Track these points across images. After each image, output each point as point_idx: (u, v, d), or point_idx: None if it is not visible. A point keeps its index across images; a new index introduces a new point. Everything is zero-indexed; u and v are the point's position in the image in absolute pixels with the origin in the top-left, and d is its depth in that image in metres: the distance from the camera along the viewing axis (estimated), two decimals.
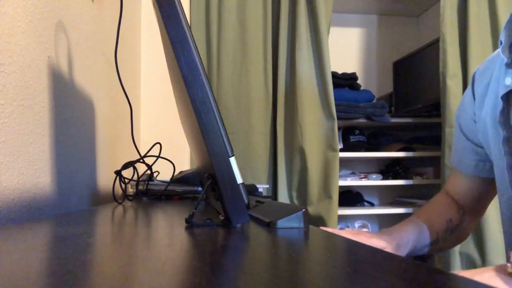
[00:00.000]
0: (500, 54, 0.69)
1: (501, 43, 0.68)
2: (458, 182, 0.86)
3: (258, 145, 1.88)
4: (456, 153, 0.87)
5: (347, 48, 2.47)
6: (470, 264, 1.87)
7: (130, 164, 0.91)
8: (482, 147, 0.79)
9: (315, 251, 0.37)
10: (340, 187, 1.89)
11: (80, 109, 0.90)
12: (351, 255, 0.34)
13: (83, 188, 0.93)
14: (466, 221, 0.84)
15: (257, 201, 0.70)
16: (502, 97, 0.67)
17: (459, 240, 0.86)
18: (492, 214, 1.79)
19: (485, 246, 1.81)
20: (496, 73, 0.72)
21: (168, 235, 0.43)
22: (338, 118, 1.88)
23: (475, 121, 0.79)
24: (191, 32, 0.43)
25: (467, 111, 0.81)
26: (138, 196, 1.09)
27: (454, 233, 0.82)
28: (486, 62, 0.79)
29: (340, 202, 1.87)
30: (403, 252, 0.74)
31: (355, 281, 0.24)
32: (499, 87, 0.69)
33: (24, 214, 0.62)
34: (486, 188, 0.83)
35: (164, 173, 1.14)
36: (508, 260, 0.51)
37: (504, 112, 0.68)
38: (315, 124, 1.88)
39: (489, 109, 0.73)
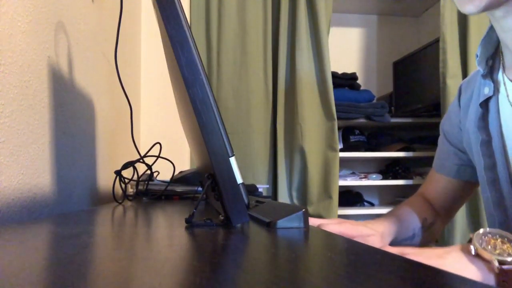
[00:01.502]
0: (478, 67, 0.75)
1: (477, 56, 0.74)
2: (436, 184, 0.92)
3: (258, 145, 1.88)
4: (439, 158, 0.92)
5: (347, 48, 2.47)
6: None
7: (130, 164, 0.91)
8: (465, 153, 0.85)
9: (315, 251, 0.37)
10: (340, 187, 1.89)
11: (80, 109, 0.90)
12: (351, 255, 0.34)
13: (83, 188, 0.93)
14: (438, 222, 0.89)
15: (257, 201, 0.70)
16: (480, 104, 0.74)
17: (430, 240, 0.90)
18: None
19: None
20: (477, 84, 0.79)
21: (168, 235, 0.43)
22: (338, 118, 1.88)
23: (460, 129, 0.85)
24: (191, 32, 0.43)
25: (453, 120, 0.88)
26: (138, 196, 1.09)
27: (427, 232, 0.86)
28: (471, 75, 0.86)
29: (340, 202, 1.87)
30: (386, 240, 0.77)
31: (355, 281, 0.24)
32: (479, 96, 0.76)
33: (24, 214, 0.62)
34: (463, 191, 0.89)
35: (164, 173, 1.14)
36: (470, 242, 0.53)
37: (483, 118, 0.74)
38: (315, 124, 1.88)
39: (472, 116, 0.79)
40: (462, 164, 0.86)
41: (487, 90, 0.73)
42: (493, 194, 0.73)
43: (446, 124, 0.90)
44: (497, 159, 0.72)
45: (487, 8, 0.62)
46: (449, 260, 0.52)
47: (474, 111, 0.78)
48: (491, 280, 0.49)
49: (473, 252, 0.51)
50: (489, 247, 0.51)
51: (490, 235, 0.52)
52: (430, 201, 0.91)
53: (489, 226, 0.80)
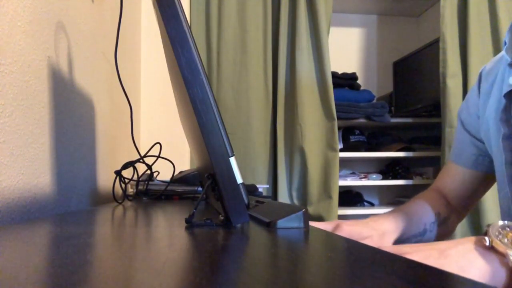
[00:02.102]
0: (504, 54, 0.71)
1: (505, 44, 0.70)
2: (452, 176, 0.88)
3: (258, 145, 1.88)
4: (456, 148, 0.88)
5: (347, 48, 2.47)
6: None
7: (130, 164, 0.91)
8: (483, 143, 0.81)
9: (315, 251, 0.37)
10: (340, 187, 1.88)
11: (80, 109, 0.90)
12: (351, 255, 0.34)
13: (83, 188, 0.93)
14: (453, 217, 0.85)
15: (257, 201, 0.70)
16: (504, 96, 0.69)
17: (443, 236, 0.86)
18: (494, 210, 1.80)
19: None
20: (501, 72, 0.74)
21: (168, 235, 0.43)
22: (338, 118, 1.88)
23: (478, 117, 0.81)
24: (191, 32, 0.43)
25: (471, 107, 0.83)
26: (138, 196, 1.09)
27: (440, 227, 0.83)
28: (493, 61, 0.81)
29: (340, 202, 1.87)
30: (389, 239, 0.73)
31: (355, 281, 0.24)
32: (503, 86, 0.71)
33: (24, 214, 0.62)
34: (480, 183, 0.85)
35: (164, 173, 1.14)
36: (485, 234, 0.50)
37: (506, 110, 0.69)
38: (315, 124, 1.88)
39: (493, 106, 0.75)
40: (480, 155, 0.82)
41: None
42: None
43: (464, 112, 0.86)
44: None
45: None
46: (452, 256, 0.49)
47: (495, 101, 0.74)
48: (501, 274, 0.46)
49: (487, 244, 0.48)
50: (506, 240, 0.47)
51: (509, 229, 0.49)
52: (445, 195, 0.88)
53: None
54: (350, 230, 0.69)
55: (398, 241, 0.76)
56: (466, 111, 0.85)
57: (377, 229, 0.72)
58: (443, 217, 0.83)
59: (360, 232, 0.69)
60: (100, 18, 1.08)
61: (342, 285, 0.23)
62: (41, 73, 0.69)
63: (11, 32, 0.58)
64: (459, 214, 0.88)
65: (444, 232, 0.84)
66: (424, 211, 0.82)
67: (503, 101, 0.70)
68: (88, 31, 0.97)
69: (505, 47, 0.70)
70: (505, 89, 0.69)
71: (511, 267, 0.45)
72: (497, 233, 0.49)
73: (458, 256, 0.49)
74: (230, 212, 0.45)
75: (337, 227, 0.70)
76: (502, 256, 0.47)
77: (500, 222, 0.50)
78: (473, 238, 0.51)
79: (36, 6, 0.67)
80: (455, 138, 0.90)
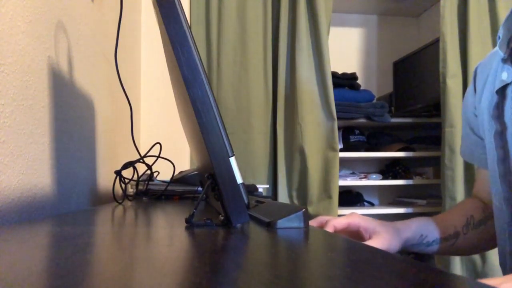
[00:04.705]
0: (498, 49, 0.69)
1: (499, 38, 0.68)
2: (481, 179, 0.85)
3: (258, 145, 1.88)
4: (467, 147, 0.86)
5: (347, 48, 2.47)
6: (470, 264, 1.87)
7: (130, 164, 0.90)
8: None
9: (315, 251, 0.37)
10: (340, 187, 1.88)
11: (80, 109, 0.90)
12: (351, 255, 0.34)
13: (83, 188, 0.93)
14: (491, 221, 0.82)
15: (257, 201, 0.70)
16: (497, 91, 0.68)
17: (482, 239, 0.83)
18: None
19: None
20: (494, 67, 0.73)
21: (168, 235, 0.43)
22: (338, 118, 1.88)
23: (476, 115, 0.79)
24: (191, 32, 0.43)
25: (469, 106, 0.81)
26: (138, 196, 1.09)
27: (476, 229, 0.80)
28: (487, 56, 0.79)
29: (340, 202, 1.87)
30: (403, 235, 0.74)
31: (355, 281, 0.24)
32: (495, 81, 0.70)
33: (24, 214, 0.62)
34: None
35: (164, 173, 1.14)
36: None
37: (499, 106, 0.68)
38: (315, 124, 1.88)
39: (486, 103, 0.73)
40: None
41: (505, 76, 0.66)
42: (504, 189, 0.68)
43: (466, 110, 0.84)
44: (510, 150, 0.66)
45: None
46: None
47: (488, 97, 0.72)
48: None
49: None
50: None
51: None
52: (481, 199, 0.85)
53: (496, 221, 0.75)
54: (357, 220, 0.72)
55: (422, 242, 0.76)
56: (467, 108, 0.84)
57: (388, 224, 0.74)
58: (478, 220, 0.81)
59: (368, 224, 0.72)
60: (100, 18, 1.08)
61: (342, 285, 0.23)
62: (41, 73, 0.69)
63: (11, 32, 0.58)
64: None
65: (480, 237, 0.82)
66: (454, 215, 0.81)
67: (495, 97, 0.69)
68: (88, 31, 0.97)
69: (499, 41, 0.68)
70: (497, 85, 0.68)
71: None
72: None
73: None
74: (230, 212, 0.45)
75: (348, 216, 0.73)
76: None
77: None
78: None
79: (36, 6, 0.67)
80: (462, 136, 0.87)
